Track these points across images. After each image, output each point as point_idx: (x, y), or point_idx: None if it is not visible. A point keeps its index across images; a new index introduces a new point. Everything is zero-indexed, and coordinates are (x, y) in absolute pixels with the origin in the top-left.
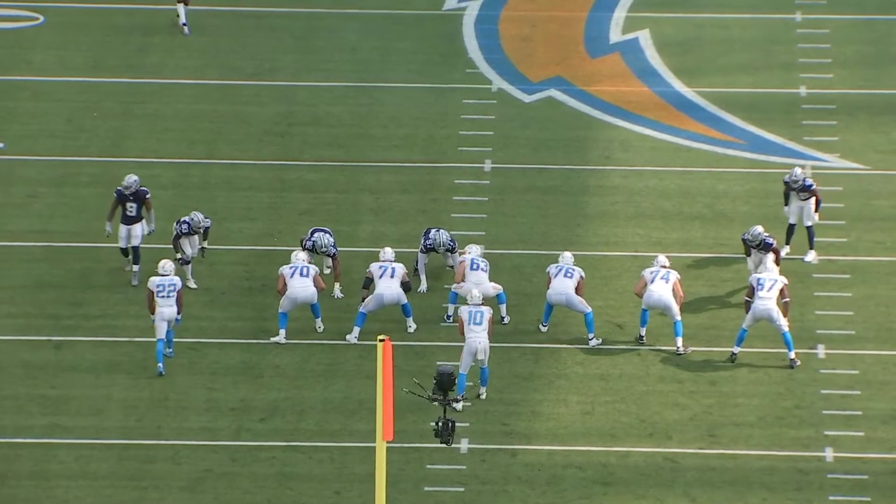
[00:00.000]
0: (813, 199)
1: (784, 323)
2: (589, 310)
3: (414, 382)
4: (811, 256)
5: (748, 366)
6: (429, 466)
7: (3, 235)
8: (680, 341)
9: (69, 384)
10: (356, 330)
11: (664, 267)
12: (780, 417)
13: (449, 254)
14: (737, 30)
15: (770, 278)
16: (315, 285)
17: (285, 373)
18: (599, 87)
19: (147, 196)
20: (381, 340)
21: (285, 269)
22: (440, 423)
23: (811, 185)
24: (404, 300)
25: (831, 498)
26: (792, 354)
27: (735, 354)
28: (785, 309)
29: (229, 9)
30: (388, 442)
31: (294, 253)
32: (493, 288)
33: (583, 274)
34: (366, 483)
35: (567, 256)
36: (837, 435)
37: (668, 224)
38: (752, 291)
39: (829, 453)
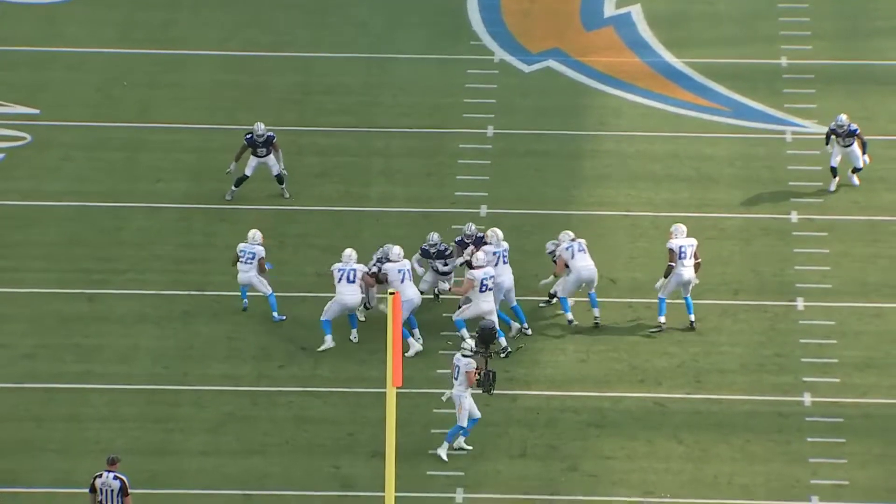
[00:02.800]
0: (856, 144)
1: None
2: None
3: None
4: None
5: (732, 317)
6: (435, 410)
7: (39, 196)
8: (597, 312)
9: (100, 334)
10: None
11: (574, 240)
12: (762, 365)
13: (440, 261)
14: (722, 5)
15: (689, 244)
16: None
17: (303, 324)
18: (594, 58)
19: (274, 140)
20: (390, 294)
21: (335, 270)
22: (482, 374)
23: (856, 130)
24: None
25: (809, 439)
26: (692, 318)
27: (663, 325)
28: (696, 268)
29: None
30: (397, 388)
31: (347, 252)
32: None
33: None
34: (377, 426)
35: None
36: (815, 381)
37: (657, 185)
38: (674, 257)
39: (808, 398)
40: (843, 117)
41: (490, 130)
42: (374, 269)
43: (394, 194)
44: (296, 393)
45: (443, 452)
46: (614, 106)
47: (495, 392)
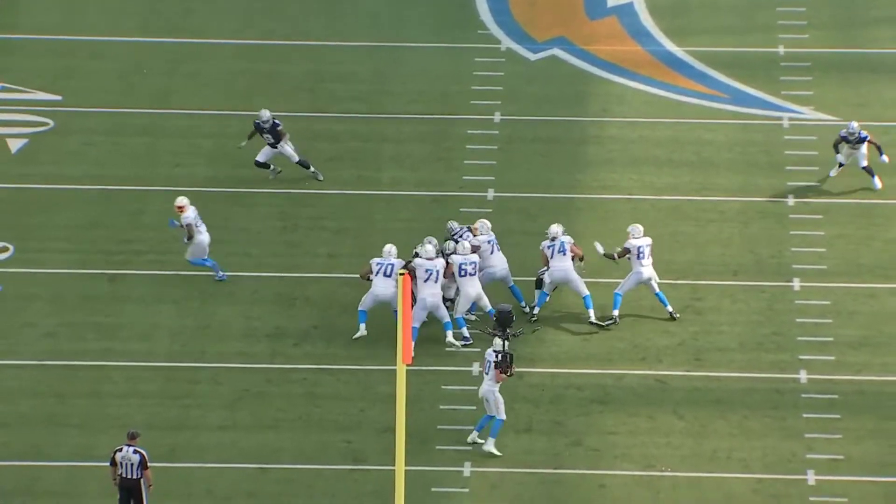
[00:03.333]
0: (865, 146)
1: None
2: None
3: (476, 319)
4: (878, 184)
5: (730, 297)
6: (444, 387)
7: (62, 179)
8: (592, 313)
9: (121, 313)
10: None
11: (554, 240)
12: (759, 343)
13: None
14: None
15: (646, 244)
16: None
17: (315, 303)
18: (598, 47)
19: (279, 127)
20: (401, 274)
21: (374, 263)
22: (501, 356)
23: (866, 137)
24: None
25: (805, 416)
26: (670, 309)
27: (616, 318)
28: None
29: None
30: (407, 365)
31: (386, 247)
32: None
33: (572, 240)
34: (387, 402)
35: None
36: (811, 359)
37: (659, 170)
38: (625, 253)
39: (804, 375)
40: (854, 125)
41: (497, 117)
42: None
43: (404, 178)
44: (309, 370)
45: (491, 447)
46: (617, 93)
47: (514, 372)
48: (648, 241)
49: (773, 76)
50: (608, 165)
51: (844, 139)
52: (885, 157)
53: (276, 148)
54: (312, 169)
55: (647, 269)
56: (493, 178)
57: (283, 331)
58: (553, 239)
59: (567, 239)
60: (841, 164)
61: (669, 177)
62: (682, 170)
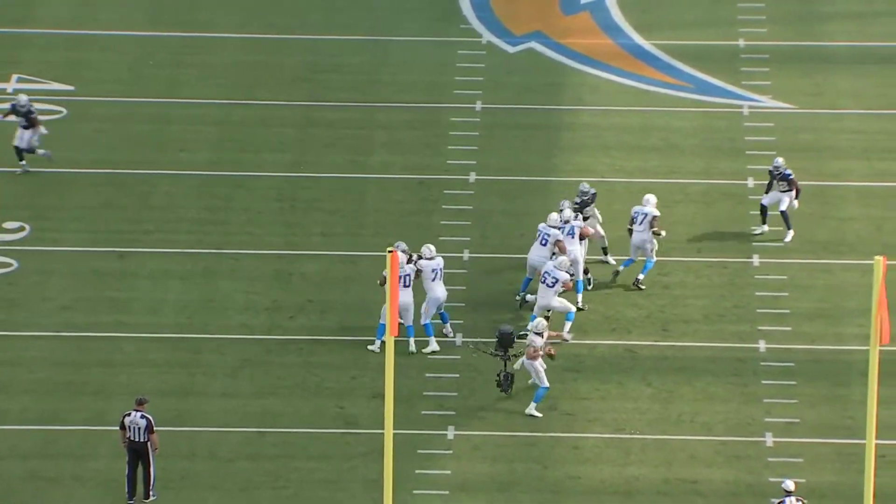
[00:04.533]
0: (793, 191)
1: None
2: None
3: (476, 346)
4: (789, 237)
5: (695, 272)
6: (430, 357)
7: (75, 164)
8: (580, 297)
9: (131, 288)
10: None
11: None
12: (722, 315)
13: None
14: None
15: (642, 212)
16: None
17: (311, 279)
18: (572, 40)
19: (33, 115)
20: (389, 251)
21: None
22: (501, 376)
23: (790, 175)
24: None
25: (764, 382)
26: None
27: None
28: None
29: None
30: (395, 337)
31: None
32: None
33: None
34: (377, 370)
35: (551, 218)
36: (769, 330)
37: (629, 155)
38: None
39: (763, 345)
40: (780, 161)
41: (479, 105)
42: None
43: (393, 163)
44: (305, 341)
45: (533, 410)
46: (591, 83)
47: (484, 339)
48: (647, 210)
49: (734, 67)
50: (582, 150)
51: (770, 174)
52: (796, 202)
53: (28, 130)
54: (24, 163)
55: (636, 234)
56: (475, 162)
57: (280, 305)
58: (566, 222)
59: (578, 223)
60: (763, 209)
61: (639, 161)
62: (651, 154)
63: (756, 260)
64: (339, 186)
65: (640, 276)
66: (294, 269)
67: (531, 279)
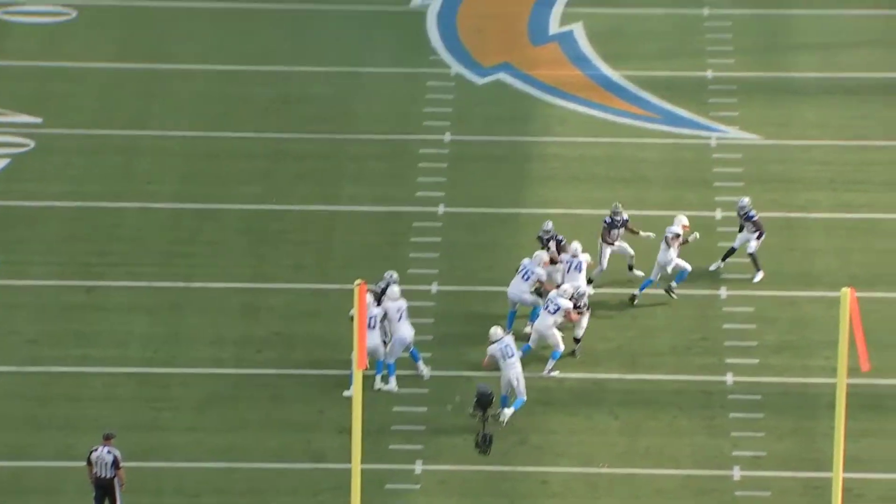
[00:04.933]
0: (758, 232)
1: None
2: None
3: (457, 401)
4: (759, 277)
5: (663, 304)
6: (399, 391)
7: (42, 196)
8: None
9: (98, 321)
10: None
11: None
12: (689, 347)
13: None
14: (654, 23)
15: (671, 232)
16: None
17: (278, 312)
18: (541, 72)
19: None
20: (357, 285)
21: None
22: (479, 436)
23: (753, 217)
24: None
25: (731, 415)
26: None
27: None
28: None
29: (235, 5)
30: (362, 370)
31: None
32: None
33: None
34: (344, 404)
35: (537, 256)
36: (736, 362)
37: (597, 186)
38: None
39: (730, 377)
40: (746, 201)
41: (447, 136)
42: (379, 290)
43: (362, 194)
44: (272, 375)
45: (507, 416)
46: (559, 115)
47: (453, 373)
48: (671, 229)
49: (702, 98)
50: (550, 182)
51: (738, 212)
52: (755, 244)
53: None
54: None
55: (660, 253)
56: (443, 193)
57: (248, 338)
58: (574, 256)
59: (585, 257)
60: (732, 251)
61: (607, 192)
62: (619, 185)
63: (724, 292)
64: (307, 218)
65: (673, 284)
66: (261, 303)
67: (515, 311)
